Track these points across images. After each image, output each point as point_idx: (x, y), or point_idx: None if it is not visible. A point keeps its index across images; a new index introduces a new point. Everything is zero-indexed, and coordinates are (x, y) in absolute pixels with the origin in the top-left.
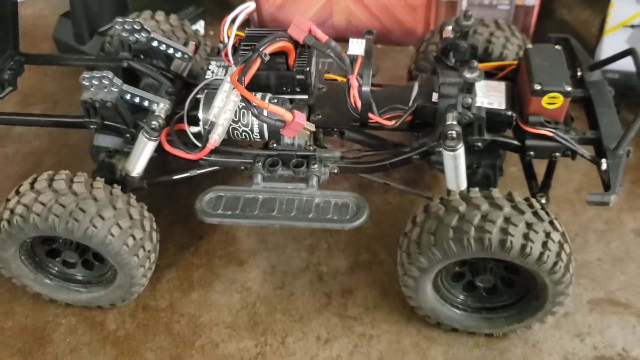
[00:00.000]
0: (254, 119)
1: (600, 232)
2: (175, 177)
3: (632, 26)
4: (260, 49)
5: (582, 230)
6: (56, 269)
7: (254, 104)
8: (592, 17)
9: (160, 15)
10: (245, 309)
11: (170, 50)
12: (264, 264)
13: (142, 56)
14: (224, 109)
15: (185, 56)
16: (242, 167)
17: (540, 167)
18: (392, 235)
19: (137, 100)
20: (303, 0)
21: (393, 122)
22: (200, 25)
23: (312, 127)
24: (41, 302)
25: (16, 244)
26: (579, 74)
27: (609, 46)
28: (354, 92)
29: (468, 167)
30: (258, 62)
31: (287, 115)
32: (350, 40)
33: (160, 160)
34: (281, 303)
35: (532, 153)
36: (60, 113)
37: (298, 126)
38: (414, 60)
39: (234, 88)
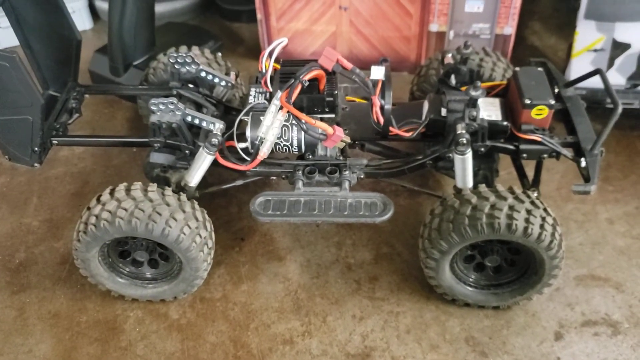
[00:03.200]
0: (295, 134)
1: (580, 222)
2: (224, 187)
3: (595, 50)
4: (301, 77)
5: (565, 221)
6: (127, 269)
7: (303, 120)
8: (558, 43)
9: (195, 49)
10: (288, 295)
11: (216, 80)
12: (300, 259)
13: (190, 85)
14: (271, 127)
15: (229, 84)
16: (284, 176)
17: (528, 169)
18: (406, 231)
19: (196, 121)
20: (311, 33)
21: (410, 133)
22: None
23: (348, 139)
24: (109, 299)
25: (98, 245)
26: (556, 90)
27: (576, 67)
28: (377, 109)
29: None
30: (299, 87)
31: (330, 130)
32: (372, 67)
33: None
34: (319, 289)
35: (525, 155)
36: None
37: (338, 138)
38: (415, 83)
39: (280, 109)
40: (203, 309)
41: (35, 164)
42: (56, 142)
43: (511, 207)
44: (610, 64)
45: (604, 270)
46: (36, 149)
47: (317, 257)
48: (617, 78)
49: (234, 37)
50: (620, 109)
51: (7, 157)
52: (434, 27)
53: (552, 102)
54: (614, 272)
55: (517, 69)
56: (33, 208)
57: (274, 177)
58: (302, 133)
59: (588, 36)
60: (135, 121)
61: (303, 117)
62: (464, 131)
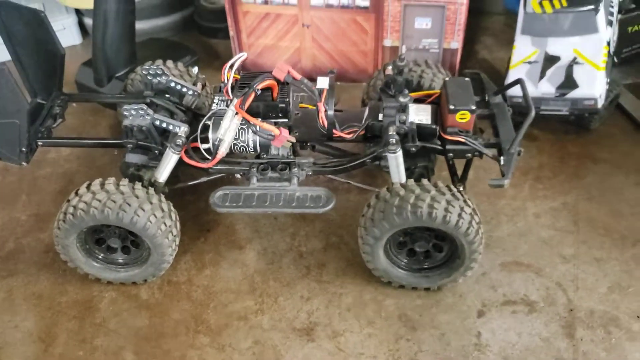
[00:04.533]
0: (250, 136)
1: (510, 216)
2: (189, 183)
3: (529, 62)
4: (254, 86)
5: (496, 214)
6: (102, 254)
7: (252, 123)
8: (506, 55)
9: (170, 63)
10: (245, 279)
11: (184, 89)
12: (257, 247)
13: (164, 94)
14: (228, 129)
15: (195, 93)
16: (242, 173)
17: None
18: (354, 224)
19: (164, 125)
20: (278, 49)
21: (351, 135)
22: (194, 70)
23: (293, 139)
24: (87, 282)
25: (76, 232)
26: (486, 98)
27: (513, 77)
28: (322, 115)
29: (407, 169)
30: (253, 95)
31: (276, 131)
32: (318, 78)
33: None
34: (273, 274)
35: (451, 154)
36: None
37: (283, 138)
38: (365, 92)
39: (236, 114)
40: (170, 290)
41: (23, 163)
42: (41, 143)
43: (433, 198)
44: (542, 75)
45: (527, 257)
46: (23, 149)
47: (273, 246)
48: (547, 87)
49: (211, 52)
50: (533, 113)
51: None
52: (387, 42)
53: (474, 107)
54: (536, 259)
55: (447, 78)
56: (22, 204)
57: (238, 176)
58: (256, 135)
59: (524, 50)
60: (117, 127)
61: (253, 120)
62: (394, 132)
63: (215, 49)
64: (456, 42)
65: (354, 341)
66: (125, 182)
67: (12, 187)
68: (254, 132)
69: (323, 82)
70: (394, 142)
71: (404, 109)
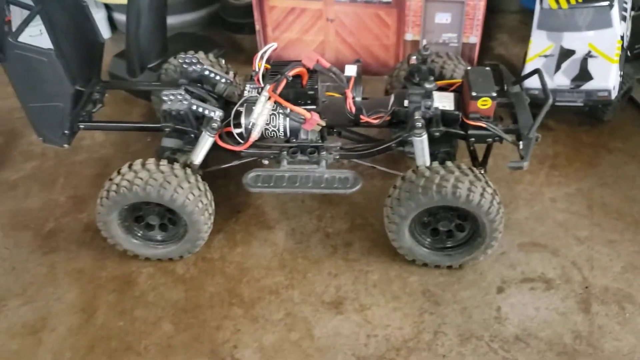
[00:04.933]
0: (280, 121)
1: (527, 200)
2: (223, 166)
3: (545, 56)
4: (286, 73)
5: (514, 199)
6: (141, 232)
7: (285, 106)
8: (521, 51)
9: (201, 54)
10: (275, 257)
11: (217, 77)
12: (286, 228)
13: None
14: (261, 114)
15: (228, 81)
16: (272, 156)
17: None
18: (378, 207)
19: (200, 110)
20: (302, 42)
21: (377, 120)
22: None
23: (323, 123)
24: (125, 259)
25: (117, 209)
26: (505, 88)
27: (529, 70)
28: (350, 101)
29: (430, 154)
30: (284, 81)
31: (307, 115)
32: (346, 66)
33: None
34: (301, 252)
35: (473, 139)
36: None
37: (314, 121)
38: (389, 82)
39: (269, 98)
40: (204, 266)
41: (65, 145)
42: (83, 126)
43: (456, 179)
44: (558, 68)
45: (544, 239)
46: (66, 131)
47: (301, 227)
48: (563, 79)
49: (237, 46)
50: (550, 101)
51: (40, 138)
52: (409, 37)
53: (495, 94)
54: (552, 240)
55: (469, 68)
56: (60, 187)
57: (266, 162)
58: (287, 120)
59: (540, 44)
60: (148, 116)
61: (286, 104)
62: (419, 117)
63: (240, 44)
64: (474, 37)
65: (381, 314)
66: (164, 162)
67: (50, 172)
68: (286, 116)
69: (351, 70)
70: (420, 126)
71: (429, 95)
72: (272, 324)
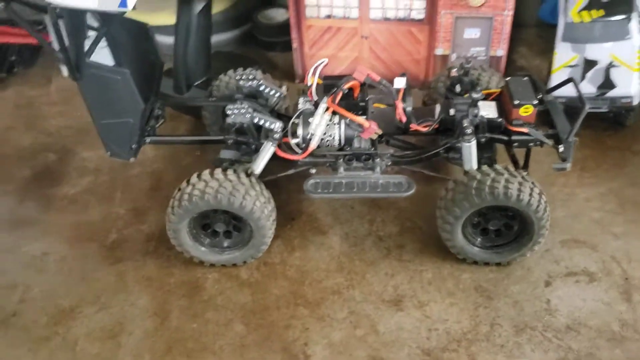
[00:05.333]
0: (336, 131)
1: (563, 200)
2: (279, 175)
3: (570, 66)
4: (342, 85)
5: (552, 200)
6: (207, 239)
7: (345, 116)
8: (542, 63)
9: (258, 70)
10: (333, 260)
11: (272, 92)
12: (340, 233)
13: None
14: (319, 124)
15: (282, 95)
16: (328, 164)
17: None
18: (424, 211)
19: (261, 122)
20: (337, 58)
21: (427, 128)
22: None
23: (380, 131)
24: (191, 265)
25: (188, 217)
26: (539, 96)
27: (555, 81)
28: (400, 110)
29: None
30: (340, 93)
31: (366, 124)
32: (395, 79)
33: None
34: (357, 255)
35: (516, 144)
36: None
37: (372, 130)
38: (427, 94)
39: (326, 109)
40: (266, 270)
41: (132, 159)
42: (149, 140)
43: (507, 180)
44: (583, 77)
45: (582, 235)
46: (134, 146)
47: (354, 231)
48: (588, 87)
49: (270, 63)
50: (587, 107)
51: (108, 152)
52: (439, 51)
53: (536, 102)
54: (590, 237)
55: (509, 78)
56: (118, 200)
57: (313, 171)
58: (342, 130)
59: (565, 55)
60: (194, 130)
61: (346, 113)
62: (468, 124)
63: (274, 61)
64: (501, 50)
65: (438, 310)
66: (231, 172)
67: (106, 186)
68: (347, 125)
69: (400, 82)
70: (470, 132)
71: (475, 104)
72: (338, 322)
